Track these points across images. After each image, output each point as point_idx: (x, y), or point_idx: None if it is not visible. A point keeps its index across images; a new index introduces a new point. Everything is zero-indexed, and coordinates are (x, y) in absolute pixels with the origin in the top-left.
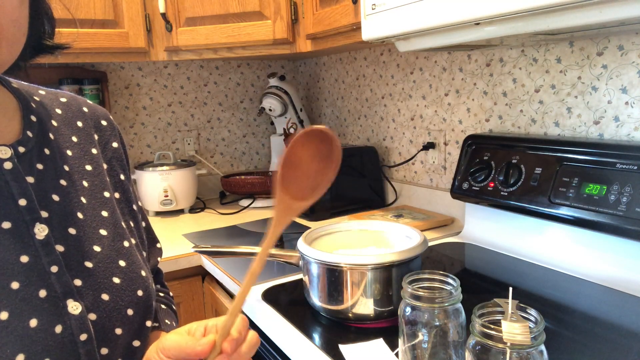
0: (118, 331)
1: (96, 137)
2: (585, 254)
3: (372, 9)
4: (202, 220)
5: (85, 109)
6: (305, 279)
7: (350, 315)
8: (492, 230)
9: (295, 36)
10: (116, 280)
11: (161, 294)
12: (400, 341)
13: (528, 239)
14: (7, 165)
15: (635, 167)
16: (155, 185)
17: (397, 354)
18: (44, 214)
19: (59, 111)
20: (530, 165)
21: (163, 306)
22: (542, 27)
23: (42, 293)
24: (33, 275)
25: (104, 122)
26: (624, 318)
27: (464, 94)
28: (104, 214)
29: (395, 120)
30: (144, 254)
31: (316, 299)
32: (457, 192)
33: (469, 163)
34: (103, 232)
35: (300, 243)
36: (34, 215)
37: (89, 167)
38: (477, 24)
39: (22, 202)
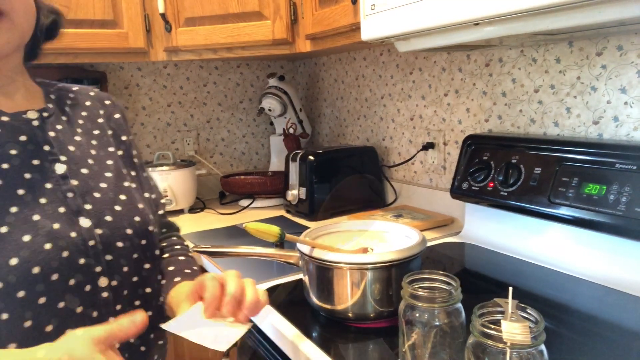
0: (119, 244)
1: (102, 112)
2: (585, 254)
3: (372, 9)
4: (202, 221)
5: (91, 93)
6: (305, 279)
7: (350, 315)
8: (492, 230)
9: (294, 36)
10: (117, 207)
11: (177, 247)
12: (400, 341)
13: (528, 239)
14: (35, 123)
15: (635, 167)
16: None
17: (397, 354)
18: (63, 158)
19: (71, 95)
20: (530, 165)
21: (181, 257)
22: (541, 27)
23: (62, 209)
24: (55, 196)
25: (107, 102)
26: (624, 318)
27: (463, 94)
28: (109, 162)
29: (394, 121)
30: (146, 195)
31: (316, 299)
32: (457, 192)
33: (469, 163)
34: (108, 174)
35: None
36: (54, 157)
37: (96, 132)
38: (477, 24)
39: (46, 147)
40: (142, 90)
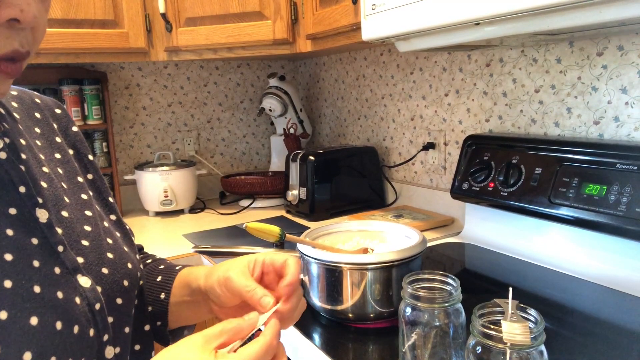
0: (119, 301)
1: (55, 125)
2: (585, 254)
3: (372, 9)
4: (202, 221)
5: (37, 100)
6: (305, 279)
7: (350, 315)
8: (492, 230)
9: (295, 36)
10: (110, 255)
11: (148, 260)
12: (400, 341)
13: (528, 239)
14: (2, 155)
15: (635, 167)
16: (155, 186)
17: (397, 354)
18: (40, 200)
19: (14, 104)
20: (530, 165)
21: (162, 266)
22: (542, 27)
23: (57, 270)
24: (46, 254)
25: (58, 111)
26: (624, 318)
27: (464, 94)
28: (84, 197)
29: (395, 121)
30: (127, 226)
31: (316, 299)
32: (457, 192)
33: (469, 163)
34: (88, 212)
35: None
36: (33, 201)
37: (58, 155)
38: (477, 24)
39: (22, 189)
40: (143, 90)
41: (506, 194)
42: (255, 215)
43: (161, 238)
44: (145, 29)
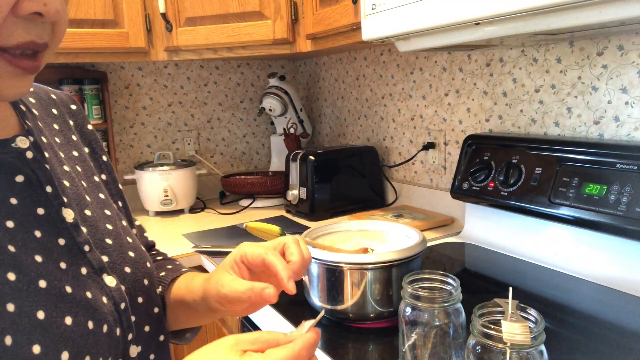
0: (140, 299)
1: (71, 123)
2: (585, 254)
3: (372, 9)
4: (202, 220)
5: (53, 96)
6: (305, 279)
7: (350, 315)
8: (492, 230)
9: (295, 36)
10: (131, 254)
11: (159, 257)
12: (400, 341)
13: (528, 239)
14: (29, 154)
15: (635, 167)
16: (155, 185)
17: (397, 354)
18: (65, 199)
19: (32, 100)
20: (530, 165)
21: (170, 266)
22: (542, 27)
23: (84, 270)
24: (72, 255)
25: (73, 107)
26: (624, 318)
27: (464, 94)
28: (102, 196)
29: (395, 120)
30: (134, 231)
31: (316, 299)
32: (457, 192)
33: (469, 163)
34: (107, 212)
35: None
36: (59, 200)
37: (75, 153)
38: (477, 24)
39: (49, 189)
40: (143, 90)
41: (506, 193)
42: (255, 215)
43: (161, 238)
44: (145, 28)
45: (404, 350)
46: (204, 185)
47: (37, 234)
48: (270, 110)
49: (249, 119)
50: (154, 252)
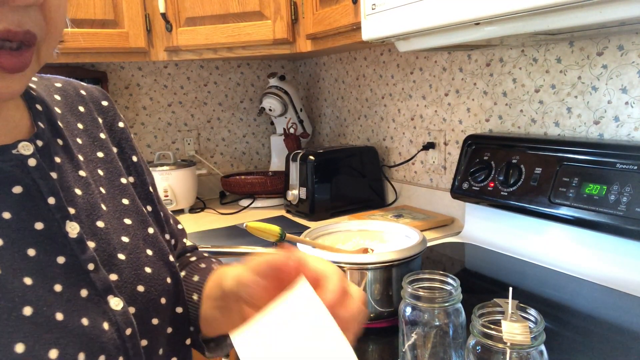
0: (154, 321)
1: (100, 120)
2: (585, 254)
3: (372, 9)
4: (202, 220)
5: (82, 92)
6: None
7: None
8: (492, 230)
9: (295, 36)
10: (148, 270)
11: (193, 258)
12: (400, 341)
13: (528, 239)
14: (32, 162)
15: (635, 167)
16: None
17: (397, 354)
18: (72, 211)
19: (57, 97)
20: (530, 165)
21: (203, 265)
22: (542, 27)
23: (84, 292)
24: (72, 275)
25: (104, 103)
26: (624, 318)
27: (464, 94)
28: (125, 202)
29: (395, 120)
30: (167, 236)
31: None
32: (457, 192)
33: (469, 163)
34: (127, 221)
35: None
36: (64, 214)
37: (100, 154)
38: (477, 24)
39: (51, 200)
40: (143, 90)
41: (506, 193)
42: (255, 215)
43: None
44: (145, 28)
45: (404, 350)
46: (204, 185)
47: (31, 252)
48: (270, 110)
49: (249, 119)
50: (188, 254)
